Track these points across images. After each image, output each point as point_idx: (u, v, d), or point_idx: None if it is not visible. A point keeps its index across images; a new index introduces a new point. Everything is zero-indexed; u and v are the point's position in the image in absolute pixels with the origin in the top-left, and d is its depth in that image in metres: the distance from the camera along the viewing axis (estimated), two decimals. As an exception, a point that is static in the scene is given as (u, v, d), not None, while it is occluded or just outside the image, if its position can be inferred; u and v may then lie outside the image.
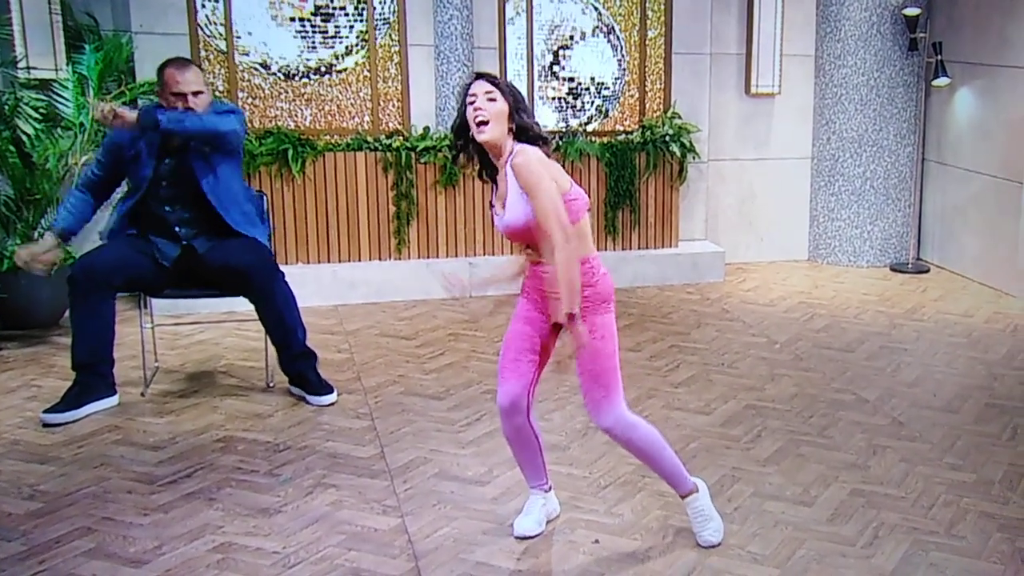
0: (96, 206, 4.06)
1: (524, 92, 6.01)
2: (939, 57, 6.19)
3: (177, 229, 3.96)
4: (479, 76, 2.75)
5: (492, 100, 2.67)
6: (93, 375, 3.90)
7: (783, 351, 4.87)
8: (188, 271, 4.00)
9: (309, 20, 5.70)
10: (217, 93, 5.53)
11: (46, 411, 3.81)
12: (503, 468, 3.46)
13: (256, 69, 5.64)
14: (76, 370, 3.91)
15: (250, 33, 5.61)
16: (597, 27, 6.21)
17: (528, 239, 2.73)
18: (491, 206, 2.84)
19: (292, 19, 5.67)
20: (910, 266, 6.54)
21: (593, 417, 2.82)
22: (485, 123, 2.67)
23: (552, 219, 2.57)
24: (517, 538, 2.96)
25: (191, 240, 3.97)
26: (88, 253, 4.00)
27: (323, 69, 5.76)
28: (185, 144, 3.86)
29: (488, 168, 2.80)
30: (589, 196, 5.91)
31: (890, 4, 6.35)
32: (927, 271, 6.50)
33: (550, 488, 3.07)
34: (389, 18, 5.81)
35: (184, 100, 3.79)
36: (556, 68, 6.17)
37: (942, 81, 6.20)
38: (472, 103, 2.68)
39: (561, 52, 6.16)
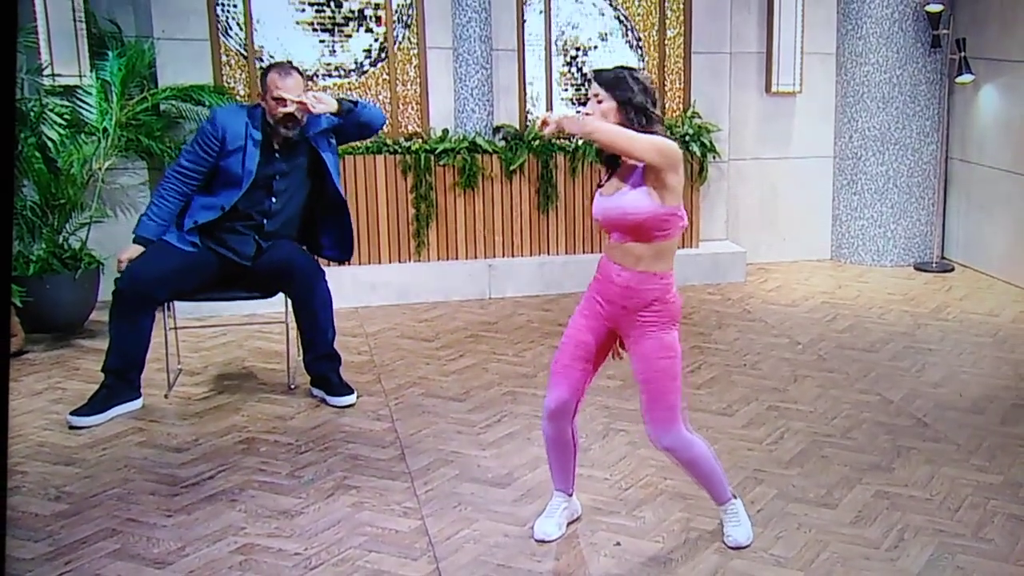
0: (180, 206, 3.99)
1: (542, 91, 6.05)
2: (963, 54, 6.12)
3: (265, 222, 4.01)
4: (593, 76, 2.77)
5: (600, 101, 2.71)
6: (121, 380, 3.94)
7: (806, 352, 4.83)
8: (232, 273, 4.04)
9: (329, 23, 5.73)
10: (237, 97, 5.57)
11: (73, 413, 3.85)
12: (524, 470, 3.45)
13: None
14: (105, 374, 3.94)
15: (277, 38, 5.65)
16: (616, 28, 6.19)
17: (627, 232, 2.70)
18: (598, 185, 2.84)
19: (312, 23, 5.70)
20: (934, 265, 6.47)
21: (654, 436, 2.80)
22: None
23: (646, 140, 2.63)
24: (537, 540, 2.96)
25: (266, 236, 4.01)
26: (136, 265, 3.89)
27: (342, 72, 5.79)
28: (305, 138, 3.98)
29: (610, 155, 2.81)
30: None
31: (912, 1, 6.29)
32: (952, 270, 6.43)
33: (572, 494, 3.06)
34: (408, 21, 5.83)
35: (284, 104, 3.88)
36: (574, 69, 6.16)
37: (966, 78, 6.13)
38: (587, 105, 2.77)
39: (580, 53, 6.16)
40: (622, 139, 2.63)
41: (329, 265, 4.86)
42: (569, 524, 3.04)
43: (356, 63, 5.81)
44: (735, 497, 2.96)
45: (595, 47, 6.16)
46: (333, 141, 4.08)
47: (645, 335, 2.72)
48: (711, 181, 6.29)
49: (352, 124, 4.01)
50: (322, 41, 5.73)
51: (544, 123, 2.69)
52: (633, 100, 2.69)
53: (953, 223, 6.60)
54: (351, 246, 4.27)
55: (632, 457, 3.56)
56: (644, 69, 2.88)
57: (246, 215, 3.99)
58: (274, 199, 4.02)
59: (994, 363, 4.65)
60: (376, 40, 5.80)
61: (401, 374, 4.48)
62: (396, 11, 5.79)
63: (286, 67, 3.99)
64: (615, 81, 2.71)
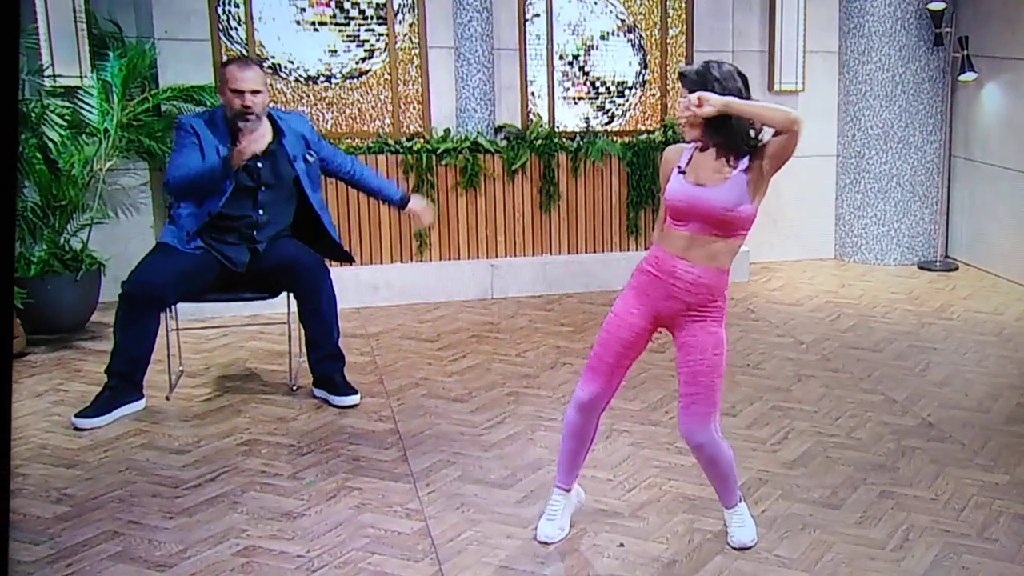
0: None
1: (542, 90, 6.03)
2: (965, 52, 6.10)
3: (255, 233, 3.99)
4: (679, 77, 2.75)
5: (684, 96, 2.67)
6: (126, 382, 3.93)
7: (810, 351, 4.81)
8: (238, 273, 4.03)
9: (330, 24, 5.71)
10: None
11: (77, 415, 3.84)
12: (526, 471, 3.44)
13: (278, 74, 5.67)
14: (109, 375, 3.93)
15: (278, 38, 5.64)
16: (618, 27, 6.18)
17: (714, 225, 2.64)
18: (680, 172, 2.73)
19: (313, 23, 5.69)
20: (938, 264, 6.45)
21: (690, 433, 2.76)
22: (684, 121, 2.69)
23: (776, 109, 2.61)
24: (540, 542, 2.94)
25: (262, 243, 4.01)
26: (144, 268, 3.90)
27: (344, 73, 5.78)
28: (281, 145, 3.97)
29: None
30: (611, 196, 5.95)
31: (915, -1, 6.27)
32: (955, 269, 6.41)
33: (571, 490, 3.04)
34: (410, 20, 5.81)
35: (242, 98, 3.84)
36: (577, 68, 6.15)
37: (969, 76, 6.11)
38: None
39: (582, 52, 6.14)
40: (798, 132, 2.56)
41: (331, 265, 4.86)
42: (572, 523, 3.02)
43: (356, 62, 5.80)
44: (741, 500, 2.95)
45: (595, 47, 6.15)
46: (312, 158, 4.05)
47: (704, 329, 2.70)
48: (713, 180, 6.26)
49: (372, 188, 4.20)
50: (324, 41, 5.71)
51: (701, 102, 2.53)
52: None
53: (957, 221, 6.58)
54: (343, 254, 4.27)
55: (636, 458, 3.54)
56: (726, 63, 2.78)
57: (235, 226, 3.96)
58: (261, 211, 3.99)
59: (999, 362, 4.63)
60: (377, 38, 5.79)
61: (403, 375, 4.47)
62: (397, 11, 5.79)
63: (245, 59, 3.99)
64: (705, 78, 2.65)
